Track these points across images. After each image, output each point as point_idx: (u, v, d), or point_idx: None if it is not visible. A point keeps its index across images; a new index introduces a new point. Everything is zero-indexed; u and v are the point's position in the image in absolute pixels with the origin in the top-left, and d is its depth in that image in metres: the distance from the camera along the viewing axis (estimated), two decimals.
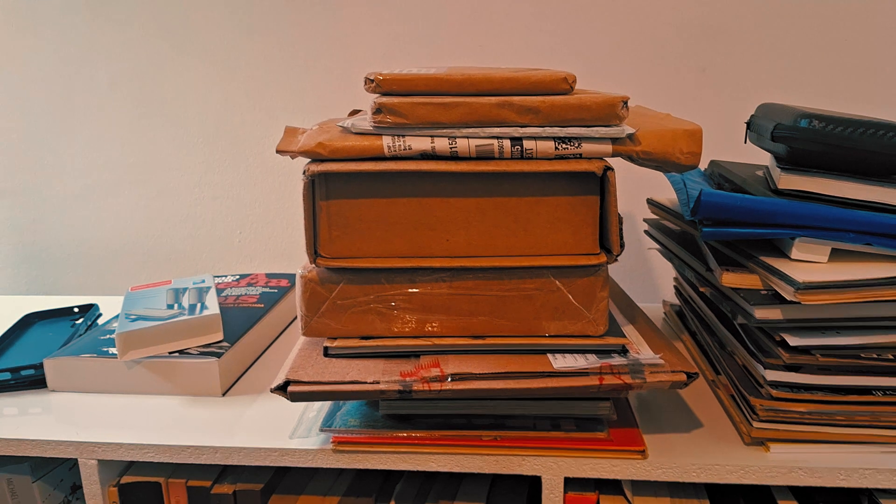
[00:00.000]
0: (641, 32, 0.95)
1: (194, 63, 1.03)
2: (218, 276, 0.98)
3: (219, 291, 0.91)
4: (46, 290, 1.16)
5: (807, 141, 0.59)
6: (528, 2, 0.96)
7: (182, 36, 1.03)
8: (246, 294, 0.90)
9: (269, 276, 0.97)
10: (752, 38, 0.94)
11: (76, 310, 0.93)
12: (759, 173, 0.72)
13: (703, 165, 0.93)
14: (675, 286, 0.87)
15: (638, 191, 1.01)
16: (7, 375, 0.74)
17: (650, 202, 0.83)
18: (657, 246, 0.84)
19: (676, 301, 0.92)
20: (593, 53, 0.97)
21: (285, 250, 1.10)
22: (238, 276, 0.97)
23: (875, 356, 0.58)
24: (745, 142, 0.71)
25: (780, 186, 0.62)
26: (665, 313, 0.92)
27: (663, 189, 1.00)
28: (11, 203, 1.12)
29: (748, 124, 0.70)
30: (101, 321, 0.92)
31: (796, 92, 0.95)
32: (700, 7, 0.94)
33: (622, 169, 0.99)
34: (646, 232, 0.86)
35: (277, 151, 0.59)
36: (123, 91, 1.06)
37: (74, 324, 0.89)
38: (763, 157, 0.95)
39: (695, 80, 0.96)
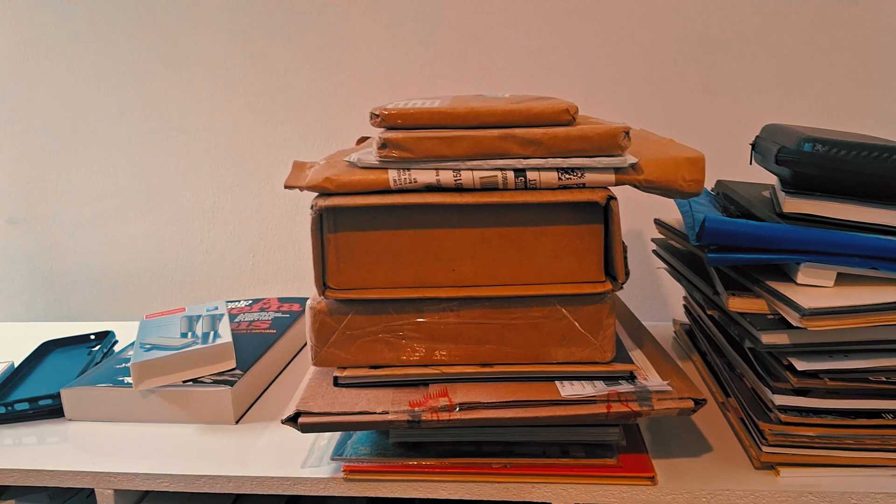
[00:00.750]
0: (646, 50, 0.96)
1: (202, 89, 1.05)
2: (231, 301, 0.99)
3: (231, 317, 0.92)
4: (63, 316, 1.18)
5: (810, 165, 0.60)
6: (531, 21, 0.97)
7: (187, 62, 1.04)
8: (258, 319, 0.91)
9: (282, 300, 0.99)
10: (755, 56, 0.94)
11: (92, 337, 0.94)
12: (766, 194, 0.72)
13: (709, 184, 0.93)
14: (684, 305, 0.87)
15: (646, 209, 1.01)
16: (25, 405, 0.75)
17: (657, 222, 0.83)
18: (665, 266, 0.84)
19: (686, 320, 0.92)
20: (597, 71, 0.98)
21: (297, 273, 1.11)
22: (251, 301, 0.98)
23: (884, 379, 0.58)
24: (751, 163, 0.71)
25: (786, 210, 0.62)
26: (675, 332, 0.92)
27: (671, 207, 1.00)
28: (27, 230, 1.14)
29: (753, 146, 0.70)
30: (117, 348, 0.93)
31: (801, 110, 0.95)
32: (702, 25, 0.94)
33: (629, 189, 0.99)
34: (654, 252, 0.87)
35: (286, 186, 0.60)
36: (132, 118, 1.08)
37: (91, 351, 0.91)
38: (770, 176, 0.95)
39: (699, 99, 0.97)
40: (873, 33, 0.92)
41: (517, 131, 0.56)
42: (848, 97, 0.94)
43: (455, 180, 0.58)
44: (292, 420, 0.58)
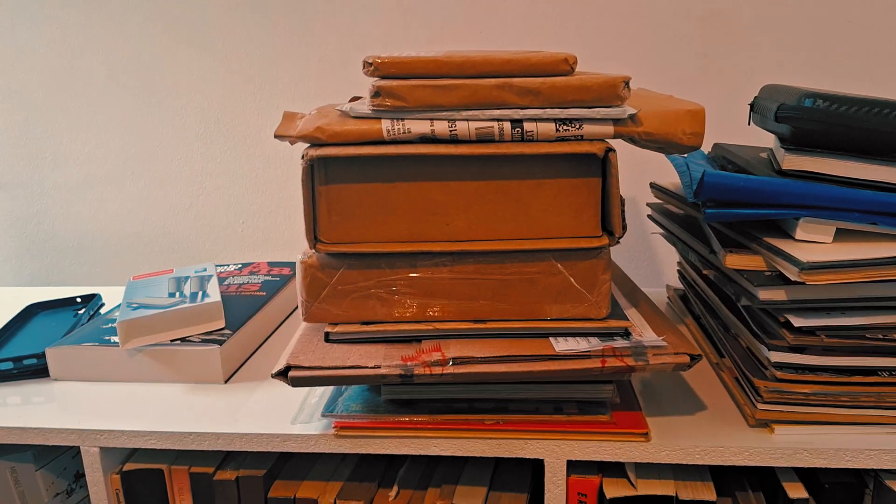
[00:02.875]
0: (642, 16, 0.95)
1: (192, 52, 1.03)
2: (220, 265, 0.97)
3: (221, 280, 0.91)
4: (49, 282, 1.16)
5: (811, 121, 0.59)
6: None
7: (179, 25, 1.02)
8: (248, 282, 0.90)
9: (272, 264, 0.97)
10: (753, 21, 0.93)
11: (79, 300, 0.93)
12: (763, 155, 0.71)
13: (706, 148, 0.92)
14: (678, 270, 0.87)
15: (641, 175, 1.00)
16: (9, 365, 0.74)
17: (653, 186, 0.82)
18: (661, 230, 0.83)
19: (680, 286, 0.91)
20: (594, 38, 0.96)
21: (288, 240, 1.10)
22: (240, 265, 0.97)
23: (880, 336, 0.57)
24: (749, 123, 0.70)
25: (785, 167, 0.62)
26: (669, 298, 0.92)
27: (666, 173, 1.00)
28: (13, 195, 1.12)
29: (752, 106, 0.69)
30: (103, 311, 0.92)
31: (798, 74, 0.94)
32: None
33: (625, 153, 0.98)
34: (649, 216, 0.86)
35: (276, 136, 0.58)
36: (122, 82, 1.05)
37: (77, 314, 0.89)
38: (766, 140, 0.94)
39: (696, 64, 0.95)
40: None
41: (515, 81, 0.55)
42: (846, 61, 0.93)
43: (450, 131, 0.56)
44: (282, 374, 0.58)
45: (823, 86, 0.94)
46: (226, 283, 0.90)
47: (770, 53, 0.94)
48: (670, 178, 0.99)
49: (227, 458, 0.68)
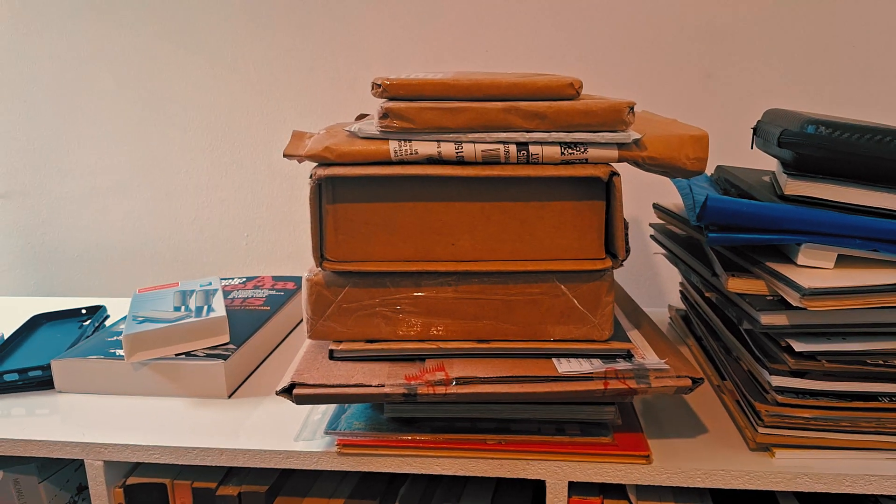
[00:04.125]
0: (647, 37, 0.96)
1: (200, 65, 1.04)
2: (225, 279, 0.98)
3: (225, 294, 0.91)
4: (54, 292, 1.16)
5: (813, 147, 0.59)
6: (534, 6, 0.96)
7: (188, 38, 1.03)
8: (252, 297, 0.90)
9: (276, 278, 0.98)
10: (758, 43, 0.94)
11: (84, 311, 0.93)
12: (766, 179, 0.72)
13: (709, 170, 0.93)
14: (680, 291, 0.87)
15: (644, 195, 1.01)
16: (14, 376, 0.74)
17: (656, 207, 0.83)
18: (663, 251, 0.84)
19: (682, 306, 0.91)
20: (599, 58, 0.97)
21: (292, 253, 1.10)
22: (245, 279, 0.97)
23: (881, 362, 0.58)
24: (752, 147, 0.71)
25: (787, 192, 0.62)
26: (671, 318, 0.92)
27: (669, 194, 1.00)
28: (19, 205, 1.13)
29: (755, 130, 0.70)
30: (108, 322, 0.92)
31: (802, 97, 0.95)
32: (705, 12, 0.94)
33: (628, 173, 0.99)
34: (652, 237, 0.86)
35: (285, 155, 0.59)
36: (130, 93, 1.06)
37: (82, 325, 0.90)
38: (770, 163, 0.95)
39: (701, 86, 0.96)
40: (876, 22, 0.92)
41: (521, 104, 0.56)
42: (849, 86, 0.94)
43: (457, 152, 0.57)
44: (287, 391, 0.58)
45: (827, 108, 0.95)
46: (230, 296, 0.90)
47: (774, 75, 0.95)
48: (673, 198, 1.00)
49: (229, 474, 0.68)
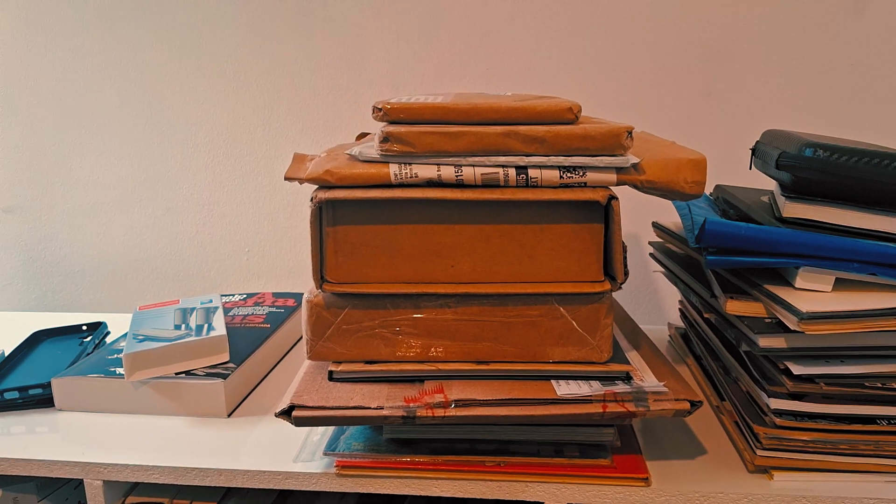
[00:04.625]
0: (647, 56, 0.96)
1: (203, 81, 1.05)
2: (225, 295, 0.98)
3: (226, 311, 0.91)
4: (55, 307, 1.17)
5: (811, 170, 0.60)
6: (534, 25, 0.97)
7: (191, 54, 1.04)
8: (253, 314, 0.90)
9: (276, 295, 0.98)
10: (757, 63, 0.95)
11: (84, 328, 0.93)
12: (765, 199, 0.72)
13: (708, 189, 0.93)
14: (680, 309, 0.87)
15: (644, 213, 1.01)
16: (15, 394, 0.75)
17: (655, 226, 0.83)
18: (662, 269, 0.84)
19: (682, 324, 0.92)
20: (599, 76, 0.98)
21: (293, 269, 1.10)
22: (245, 296, 0.98)
23: (879, 385, 0.58)
24: (751, 168, 0.71)
25: (785, 215, 0.62)
26: (670, 336, 0.92)
27: (669, 211, 1.01)
28: (21, 219, 1.13)
29: (753, 150, 0.70)
30: (108, 339, 0.92)
31: (801, 116, 0.95)
32: (705, 31, 0.94)
33: (628, 191, 0.99)
34: (651, 255, 0.87)
35: (286, 178, 0.59)
36: (132, 108, 1.07)
37: (83, 342, 0.90)
38: (768, 182, 0.95)
39: (700, 104, 0.97)
40: (877, 43, 0.92)
41: (520, 128, 0.56)
42: (849, 106, 0.95)
43: (456, 176, 0.57)
44: (286, 413, 0.58)
45: (826, 128, 0.95)
46: (231, 313, 0.90)
47: (773, 94, 0.95)
48: (673, 216, 1.00)
49: (228, 494, 0.68)
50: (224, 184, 1.08)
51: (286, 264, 1.10)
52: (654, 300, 1.04)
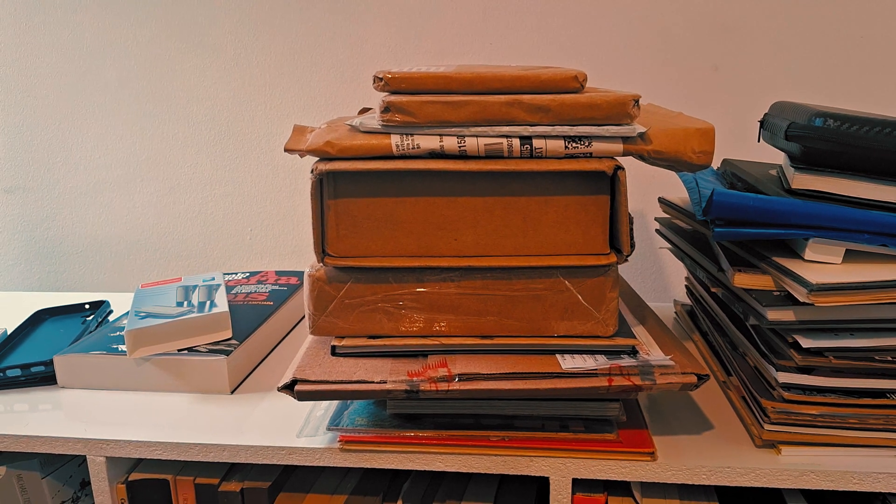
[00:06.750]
0: (652, 30, 0.95)
1: (204, 59, 1.04)
2: (228, 274, 0.98)
3: (228, 289, 0.91)
4: (58, 287, 1.16)
5: (821, 140, 0.59)
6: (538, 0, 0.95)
7: (191, 33, 1.03)
8: (255, 292, 0.90)
9: (279, 273, 0.97)
10: (765, 36, 0.93)
11: (87, 306, 0.93)
12: (773, 172, 0.71)
13: (715, 164, 0.92)
14: (686, 286, 0.87)
15: (649, 189, 1.00)
16: (17, 372, 0.74)
17: (662, 201, 0.82)
18: (668, 245, 0.83)
19: (688, 301, 0.91)
20: (604, 51, 0.96)
21: (296, 247, 1.10)
22: (248, 274, 0.97)
23: (889, 358, 0.57)
24: (759, 140, 0.70)
25: (794, 186, 0.61)
26: (676, 313, 0.91)
27: (675, 188, 0.99)
28: (23, 199, 1.13)
29: (762, 123, 0.69)
30: (111, 318, 0.92)
31: (810, 90, 0.94)
32: (712, 4, 0.93)
33: (633, 167, 0.98)
34: (657, 231, 0.86)
35: (286, 150, 0.58)
36: (133, 88, 1.06)
37: (85, 320, 0.90)
38: (776, 157, 0.94)
39: (707, 79, 0.95)
40: (886, 15, 0.90)
41: (524, 97, 0.55)
42: (857, 78, 0.93)
43: (459, 147, 0.56)
44: (289, 388, 0.58)
45: (835, 101, 0.94)
46: (233, 291, 0.90)
47: (782, 67, 0.94)
48: (679, 192, 0.99)
49: (231, 470, 0.68)
50: (226, 162, 1.07)
51: (289, 243, 1.10)
52: (660, 277, 1.03)
